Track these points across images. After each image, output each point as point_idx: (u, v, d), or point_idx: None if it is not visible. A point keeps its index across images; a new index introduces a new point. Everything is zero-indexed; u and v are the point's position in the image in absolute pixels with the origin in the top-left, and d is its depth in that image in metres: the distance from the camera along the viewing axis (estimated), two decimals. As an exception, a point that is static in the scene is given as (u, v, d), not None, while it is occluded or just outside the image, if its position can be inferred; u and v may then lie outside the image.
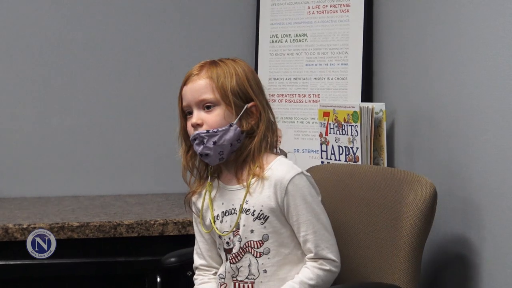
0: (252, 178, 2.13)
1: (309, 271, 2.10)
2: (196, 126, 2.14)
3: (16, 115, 3.22)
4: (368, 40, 3.01)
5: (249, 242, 2.14)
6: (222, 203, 2.20)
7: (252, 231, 2.13)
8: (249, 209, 2.13)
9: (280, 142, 3.05)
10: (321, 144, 2.91)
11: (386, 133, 2.78)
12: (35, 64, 3.22)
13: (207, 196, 2.23)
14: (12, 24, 3.20)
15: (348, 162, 2.79)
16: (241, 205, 2.14)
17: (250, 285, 2.15)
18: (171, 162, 3.26)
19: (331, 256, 2.10)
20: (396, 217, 2.16)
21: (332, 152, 2.86)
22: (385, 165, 2.79)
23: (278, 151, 2.23)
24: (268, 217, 2.12)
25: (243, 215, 2.14)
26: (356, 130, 2.75)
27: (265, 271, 2.13)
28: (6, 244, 2.64)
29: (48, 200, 3.14)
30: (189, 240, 2.67)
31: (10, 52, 3.21)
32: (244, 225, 2.14)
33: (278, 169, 2.12)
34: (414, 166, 2.64)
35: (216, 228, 2.19)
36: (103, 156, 3.28)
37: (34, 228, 2.64)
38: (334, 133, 2.85)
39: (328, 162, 2.88)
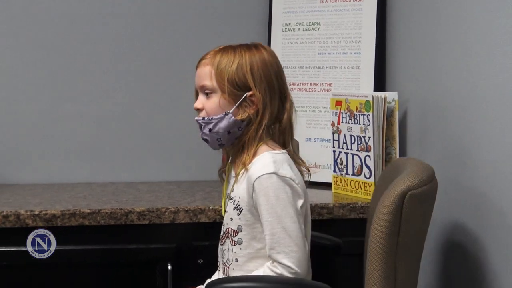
0: (241, 169, 2.15)
1: (262, 268, 2.11)
2: (197, 110, 2.20)
3: (28, 101, 3.22)
4: (381, 29, 3.00)
5: (228, 229, 2.19)
6: (228, 187, 2.25)
7: (231, 219, 2.18)
8: (233, 197, 2.18)
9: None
10: (333, 133, 2.91)
11: (399, 122, 2.77)
12: (48, 50, 3.22)
13: (225, 178, 2.29)
14: (27, 10, 3.20)
15: (361, 151, 2.78)
16: (229, 193, 2.20)
17: (226, 269, 2.20)
18: (183, 150, 3.28)
19: (285, 261, 2.06)
20: (371, 220, 2.11)
21: (344, 141, 2.86)
22: (397, 154, 2.78)
23: (297, 141, 2.24)
24: (243, 209, 2.14)
25: (229, 202, 2.19)
26: (369, 120, 2.75)
27: (236, 260, 2.17)
28: (18, 230, 2.65)
29: (60, 186, 3.14)
30: (201, 228, 2.68)
31: (24, 38, 3.21)
32: (227, 211, 2.20)
33: (256, 164, 2.13)
34: (425, 155, 2.63)
35: (225, 209, 2.24)
36: (116, 143, 3.28)
37: (46, 214, 2.64)
38: (346, 122, 2.84)
39: (339, 152, 2.87)
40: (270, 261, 2.10)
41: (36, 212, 2.65)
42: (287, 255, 2.07)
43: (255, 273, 2.12)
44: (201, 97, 2.19)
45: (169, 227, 2.70)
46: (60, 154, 3.24)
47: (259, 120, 2.14)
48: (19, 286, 2.73)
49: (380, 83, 2.99)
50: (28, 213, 2.65)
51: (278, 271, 2.07)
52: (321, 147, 3.06)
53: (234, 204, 2.16)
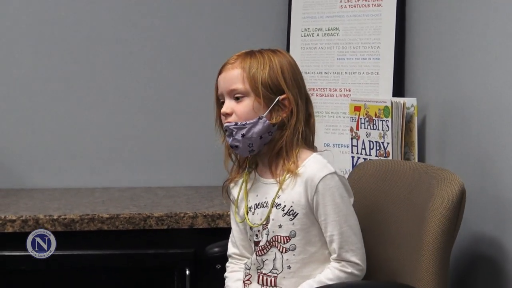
0: (286, 174, 2.12)
1: (330, 271, 2.09)
2: (226, 115, 2.13)
3: (48, 107, 3.24)
4: (401, 34, 2.99)
5: (276, 237, 2.13)
6: (256, 195, 2.19)
7: (280, 226, 2.12)
8: (280, 203, 2.12)
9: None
10: (351, 139, 2.90)
11: (417, 128, 2.76)
12: (67, 56, 3.24)
13: (243, 186, 2.22)
14: (45, 19, 3.22)
15: (380, 157, 2.77)
16: (273, 200, 2.14)
17: (273, 279, 2.14)
18: (201, 155, 3.29)
19: (354, 259, 2.07)
20: (423, 217, 2.11)
21: (363, 147, 2.85)
22: (416, 160, 2.77)
23: (316, 147, 2.22)
24: (298, 213, 2.11)
25: (273, 209, 2.13)
26: (387, 125, 2.74)
27: (289, 267, 2.12)
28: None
29: (78, 191, 3.15)
30: (219, 233, 2.68)
31: (44, 45, 3.22)
32: (273, 219, 2.13)
33: (311, 166, 2.10)
34: (445, 162, 2.62)
35: (248, 219, 2.19)
36: (134, 148, 3.29)
37: (65, 219, 2.65)
38: (365, 128, 2.83)
39: (358, 157, 2.87)
40: (335, 262, 2.09)
41: (55, 217, 2.66)
42: (354, 253, 2.08)
43: (322, 277, 2.09)
44: (229, 102, 2.13)
45: (187, 232, 2.70)
46: (78, 159, 3.25)
47: (294, 123, 2.12)
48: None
49: (399, 89, 2.99)
50: (47, 217, 2.65)
51: (349, 270, 2.07)
52: (339, 152, 3.05)
53: (283, 210, 2.12)
